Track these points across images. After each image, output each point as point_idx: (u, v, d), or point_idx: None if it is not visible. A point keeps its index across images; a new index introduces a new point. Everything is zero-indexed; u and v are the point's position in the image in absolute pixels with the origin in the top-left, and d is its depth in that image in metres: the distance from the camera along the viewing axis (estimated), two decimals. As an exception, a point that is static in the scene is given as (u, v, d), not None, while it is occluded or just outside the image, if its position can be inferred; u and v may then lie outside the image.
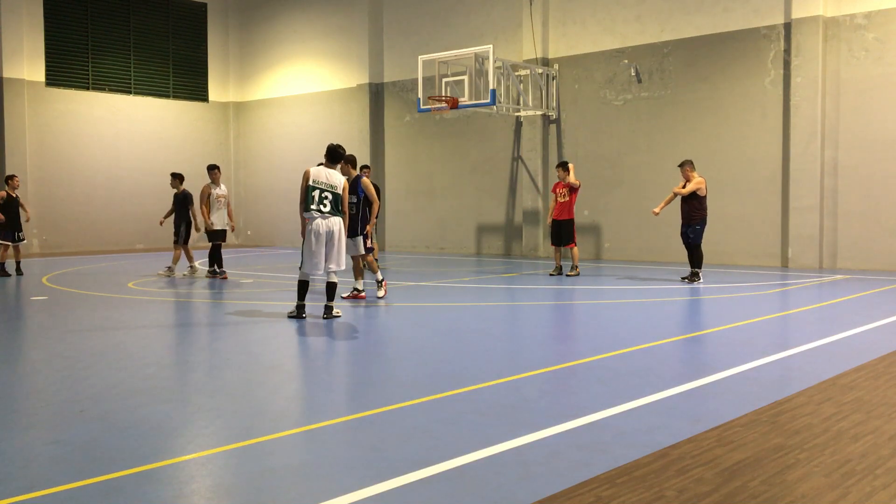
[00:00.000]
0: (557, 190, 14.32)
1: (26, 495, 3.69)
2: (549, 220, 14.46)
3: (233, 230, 14.77)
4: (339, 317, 9.35)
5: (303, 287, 9.30)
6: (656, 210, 13.14)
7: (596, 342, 7.93)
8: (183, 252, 14.94)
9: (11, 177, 15.45)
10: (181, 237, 14.82)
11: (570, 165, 14.37)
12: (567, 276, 14.14)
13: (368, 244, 11.32)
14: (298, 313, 9.29)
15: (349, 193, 11.06)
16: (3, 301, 11.80)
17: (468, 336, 8.22)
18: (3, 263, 15.14)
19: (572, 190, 14.14)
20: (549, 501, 3.61)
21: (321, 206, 9.09)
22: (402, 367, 6.78)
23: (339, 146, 9.43)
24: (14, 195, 15.11)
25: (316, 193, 9.07)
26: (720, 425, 4.77)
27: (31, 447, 4.48)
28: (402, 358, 7.20)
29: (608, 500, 3.61)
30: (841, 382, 5.91)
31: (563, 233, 14.27)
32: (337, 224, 9.17)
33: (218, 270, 14.26)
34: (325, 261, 9.14)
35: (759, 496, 3.66)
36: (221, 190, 14.40)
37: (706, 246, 14.81)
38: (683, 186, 12.85)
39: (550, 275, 14.39)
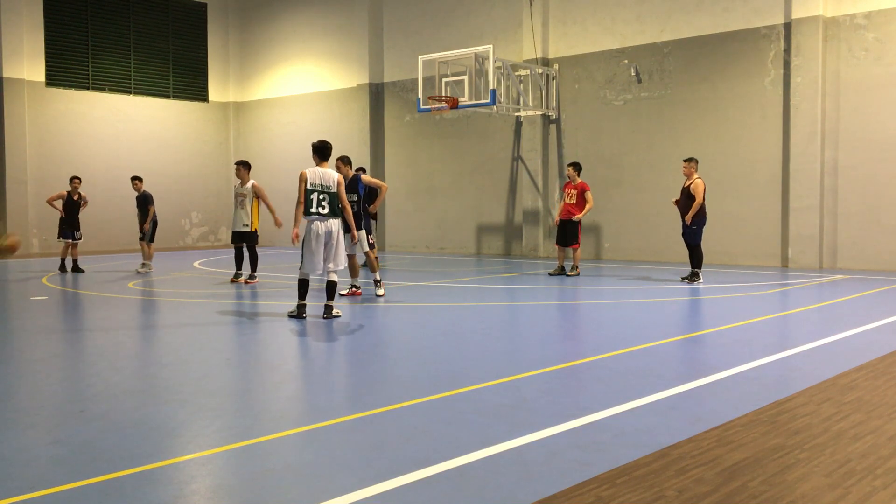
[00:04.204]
0: (566, 190, 14.31)
1: (26, 495, 3.69)
2: (557, 221, 14.44)
3: (278, 225, 13.38)
4: (339, 316, 9.36)
5: (303, 286, 9.32)
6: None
7: (596, 342, 7.93)
8: (147, 248, 15.77)
9: (73, 178, 16.25)
10: (146, 235, 15.64)
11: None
12: (567, 276, 14.14)
13: (370, 240, 11.48)
14: (299, 313, 9.29)
15: (349, 192, 11.21)
16: (4, 301, 11.80)
17: (468, 336, 8.22)
18: (64, 259, 15.98)
19: (581, 195, 14.11)
20: (549, 501, 3.61)
21: (320, 209, 9.16)
22: (402, 367, 6.78)
23: (326, 141, 9.46)
24: (75, 196, 15.95)
25: (314, 196, 9.14)
26: (720, 425, 4.77)
27: (31, 447, 4.48)
28: (402, 358, 7.20)
29: (608, 500, 3.61)
30: (841, 382, 5.91)
31: (568, 233, 14.26)
32: (335, 225, 9.24)
33: (241, 274, 13.79)
34: (324, 261, 9.22)
35: (759, 496, 3.66)
36: (243, 188, 13.49)
37: (706, 246, 14.81)
38: (689, 185, 12.84)
39: (550, 274, 14.39)
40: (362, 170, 16.52)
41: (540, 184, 19.21)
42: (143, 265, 15.73)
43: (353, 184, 11.43)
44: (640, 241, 17.81)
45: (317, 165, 9.29)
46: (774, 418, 4.94)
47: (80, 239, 16.13)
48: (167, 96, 25.05)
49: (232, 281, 13.73)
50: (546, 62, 19.05)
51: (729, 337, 7.96)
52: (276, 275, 15.13)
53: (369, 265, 11.59)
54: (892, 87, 14.80)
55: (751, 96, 16.24)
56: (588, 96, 18.57)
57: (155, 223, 15.78)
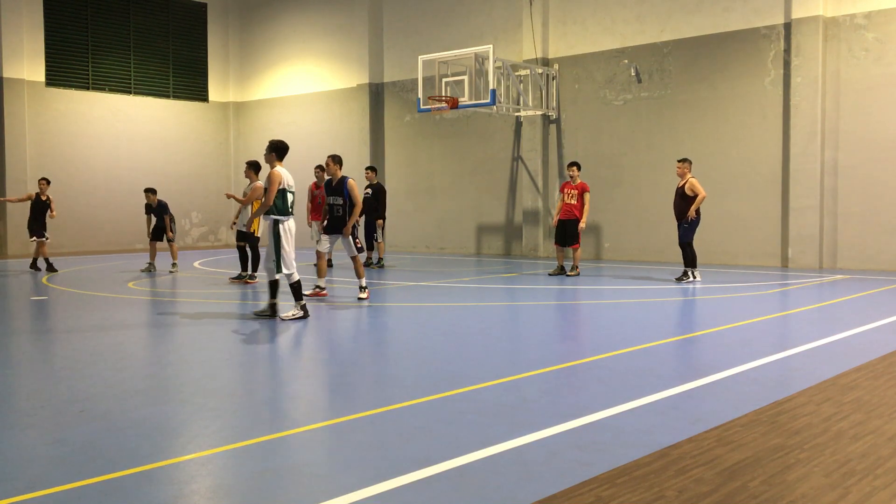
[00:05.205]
0: (566, 190, 14.30)
1: (26, 495, 3.69)
2: (555, 221, 14.39)
3: (235, 224, 13.97)
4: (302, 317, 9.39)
5: (299, 286, 9.35)
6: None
7: (596, 342, 7.93)
8: (169, 248, 16.26)
9: (41, 179, 16.54)
10: (174, 238, 16.11)
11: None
12: (567, 276, 14.14)
13: (357, 244, 11.05)
14: (305, 313, 9.31)
15: (336, 195, 11.09)
16: (4, 301, 11.80)
17: (468, 336, 8.22)
18: (35, 259, 16.40)
19: (581, 196, 14.10)
20: (549, 501, 3.60)
21: (291, 208, 9.47)
22: (402, 367, 6.78)
23: (285, 141, 9.68)
24: (43, 198, 16.15)
25: (289, 196, 9.38)
26: (720, 425, 4.77)
27: (31, 447, 4.47)
28: (402, 358, 7.20)
29: (608, 500, 3.60)
30: (841, 382, 5.91)
31: (568, 233, 14.24)
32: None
33: (244, 275, 13.76)
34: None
35: (759, 496, 3.66)
36: (247, 187, 13.55)
37: (706, 245, 14.84)
38: (683, 185, 12.96)
39: (550, 274, 14.39)
40: (374, 169, 16.60)
41: (540, 184, 19.21)
42: (174, 265, 15.97)
43: (339, 186, 11.01)
44: (640, 241, 17.81)
45: (277, 165, 9.40)
46: (774, 418, 4.94)
47: (47, 239, 16.42)
48: (167, 96, 25.05)
49: (231, 281, 13.73)
50: (546, 62, 19.04)
51: (729, 337, 7.96)
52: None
53: (356, 271, 11.07)
54: (892, 87, 14.80)
55: (751, 96, 16.24)
56: (588, 96, 18.57)
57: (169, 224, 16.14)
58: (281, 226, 9.31)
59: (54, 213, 16.30)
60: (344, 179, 11.07)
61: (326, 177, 11.37)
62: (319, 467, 4.10)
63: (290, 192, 9.42)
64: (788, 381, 6.03)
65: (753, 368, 6.41)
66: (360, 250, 11.10)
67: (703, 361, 6.89)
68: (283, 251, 9.33)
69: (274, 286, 9.50)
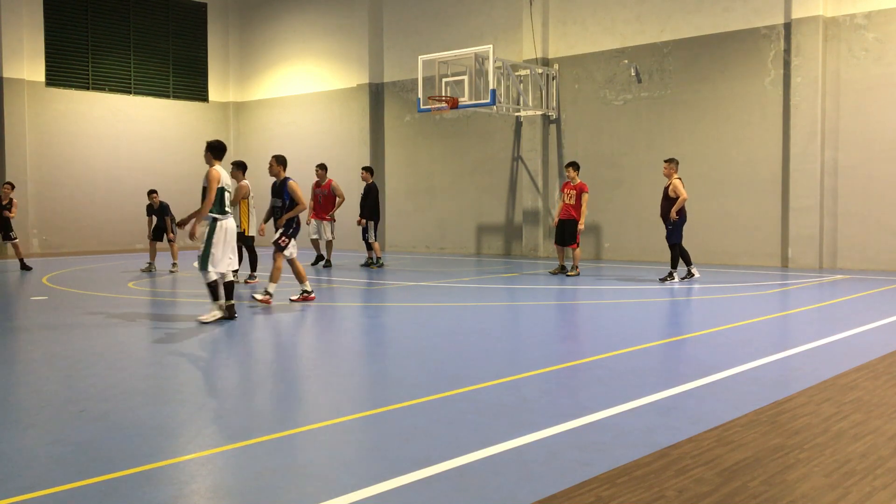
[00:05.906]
0: (565, 190, 14.32)
1: (26, 495, 3.69)
2: (555, 221, 14.42)
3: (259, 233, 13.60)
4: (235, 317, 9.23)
5: (216, 287, 9.11)
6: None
7: (596, 342, 7.93)
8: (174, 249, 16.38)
9: (5, 183, 16.76)
10: (175, 238, 16.36)
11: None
12: (567, 275, 14.15)
13: (281, 242, 10.59)
14: (230, 313, 9.15)
15: (276, 196, 10.97)
16: (4, 301, 11.80)
17: (468, 336, 8.22)
18: (21, 259, 16.63)
19: (579, 196, 14.13)
20: (549, 501, 3.61)
21: (228, 208, 9.42)
22: (402, 367, 6.78)
23: (221, 141, 9.58)
24: (4, 202, 16.31)
25: (226, 195, 9.36)
26: (720, 425, 4.77)
27: (31, 447, 4.48)
28: (402, 358, 7.19)
29: (608, 500, 3.61)
30: (841, 382, 5.91)
31: (566, 233, 14.27)
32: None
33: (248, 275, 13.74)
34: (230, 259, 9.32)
35: (759, 496, 3.66)
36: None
37: (706, 245, 14.80)
38: (669, 186, 13.02)
39: (551, 273, 14.40)
40: (369, 170, 16.57)
41: (540, 184, 19.21)
42: (174, 265, 16.01)
43: (281, 188, 10.81)
44: (640, 241, 17.81)
45: (215, 164, 9.34)
46: (774, 418, 4.94)
47: (15, 239, 16.57)
48: (167, 96, 25.05)
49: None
50: (546, 62, 19.04)
51: (729, 337, 7.97)
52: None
53: (272, 271, 10.52)
54: (892, 87, 14.80)
55: (751, 96, 16.24)
56: (588, 96, 18.57)
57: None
58: (219, 223, 9.21)
59: (13, 213, 16.35)
60: (285, 181, 10.82)
61: (273, 176, 10.97)
62: (319, 467, 4.10)
63: (228, 191, 9.37)
64: (788, 381, 6.03)
65: (753, 368, 6.41)
66: (279, 248, 10.58)
67: (703, 361, 6.88)
68: (212, 249, 9.10)
69: (228, 287, 9.33)
